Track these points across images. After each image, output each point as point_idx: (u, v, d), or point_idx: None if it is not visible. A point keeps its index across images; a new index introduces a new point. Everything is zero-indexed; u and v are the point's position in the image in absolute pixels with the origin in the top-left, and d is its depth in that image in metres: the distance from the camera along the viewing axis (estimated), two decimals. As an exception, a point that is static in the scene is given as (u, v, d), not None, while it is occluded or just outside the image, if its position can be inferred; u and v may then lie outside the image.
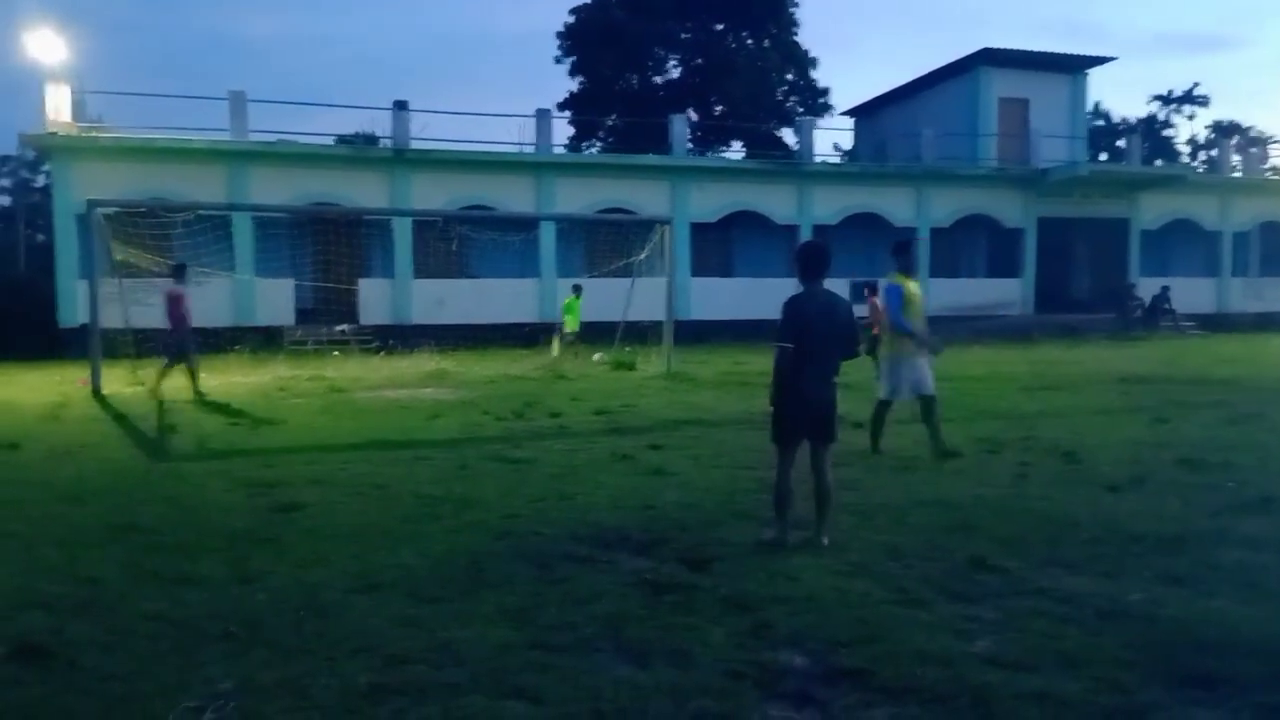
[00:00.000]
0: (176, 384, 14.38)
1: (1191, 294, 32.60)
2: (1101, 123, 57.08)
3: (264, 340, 23.38)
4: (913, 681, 3.78)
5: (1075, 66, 34.71)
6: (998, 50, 33.32)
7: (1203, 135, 61.73)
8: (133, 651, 4.13)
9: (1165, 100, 61.04)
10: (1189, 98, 60.82)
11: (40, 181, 50.83)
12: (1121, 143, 46.75)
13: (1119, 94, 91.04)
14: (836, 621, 4.45)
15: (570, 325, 19.89)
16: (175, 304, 14.53)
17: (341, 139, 33.79)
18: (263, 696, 3.66)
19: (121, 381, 15.67)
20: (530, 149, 28.50)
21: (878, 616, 4.53)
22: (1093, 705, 3.58)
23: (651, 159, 29.57)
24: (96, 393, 14.44)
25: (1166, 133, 61.10)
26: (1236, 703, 3.64)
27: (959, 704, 3.59)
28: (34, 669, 3.94)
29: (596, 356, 20.03)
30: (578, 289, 20.54)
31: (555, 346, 20.08)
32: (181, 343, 14.46)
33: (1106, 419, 11.35)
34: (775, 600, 4.74)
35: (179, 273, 15.16)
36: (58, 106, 24.07)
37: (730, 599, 4.77)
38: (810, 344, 5.74)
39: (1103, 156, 49.12)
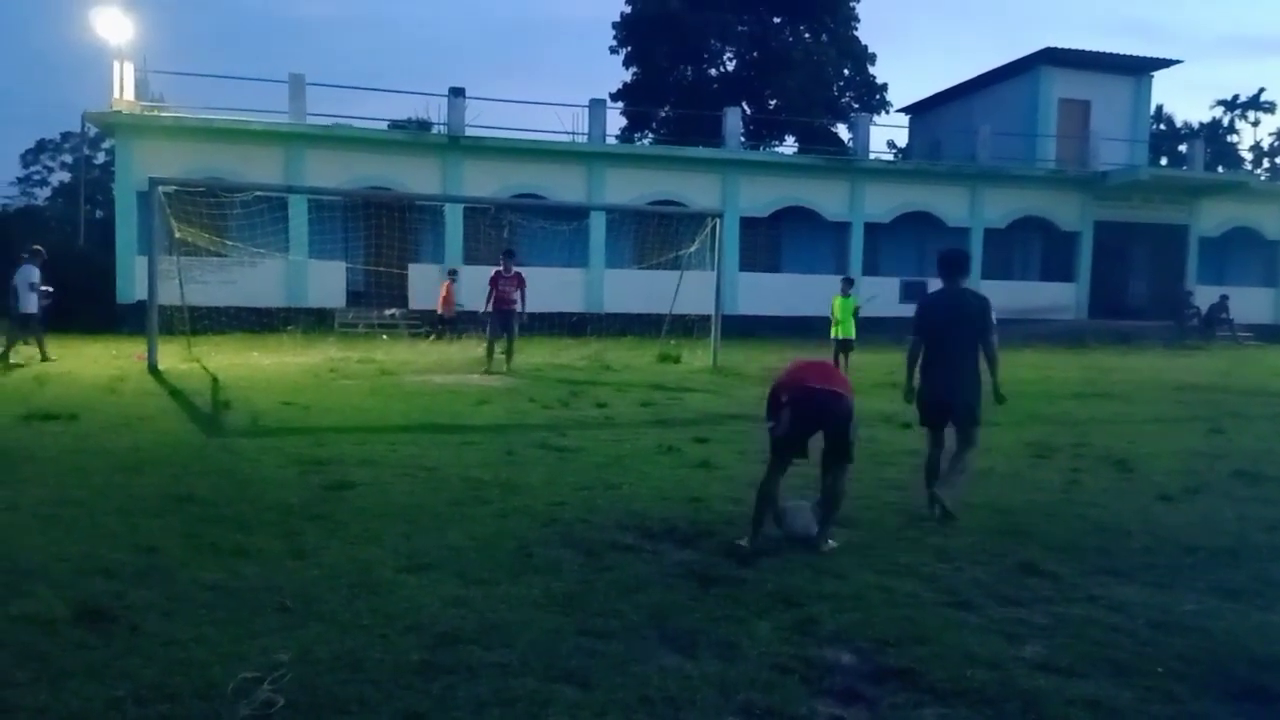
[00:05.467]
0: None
1: (1250, 304, 31.96)
2: (1163, 127, 56.01)
3: (315, 321, 23.74)
4: (962, 683, 3.76)
5: (1139, 68, 34.12)
6: (1060, 50, 32.83)
7: (1267, 142, 60.43)
8: (192, 619, 4.23)
9: (1229, 105, 59.73)
10: (1254, 103, 59.45)
11: (101, 158, 51.85)
12: (1183, 147, 45.82)
13: (1183, 98, 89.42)
14: (883, 620, 4.44)
15: (843, 330, 15.90)
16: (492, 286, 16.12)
17: (396, 124, 34.06)
18: (319, 669, 3.73)
19: (177, 357, 15.99)
20: (583, 138, 28.58)
21: (925, 617, 4.51)
22: (1144, 714, 3.55)
23: (703, 152, 29.51)
24: (153, 368, 14.72)
25: (1230, 138, 59.80)
26: (1292, 719, 3.59)
27: (1009, 708, 3.57)
28: (98, 633, 4.05)
29: None
30: (849, 283, 16.74)
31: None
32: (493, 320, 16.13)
33: (1160, 428, 11.18)
34: (821, 597, 4.73)
35: (508, 257, 16.80)
36: (122, 85, 24.54)
37: (777, 594, 4.77)
38: (938, 338, 6.54)
39: (1163, 161, 48.24)
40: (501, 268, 16.34)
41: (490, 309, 16.23)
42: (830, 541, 5.64)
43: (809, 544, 5.62)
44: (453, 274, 22.60)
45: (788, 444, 5.68)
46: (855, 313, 16.15)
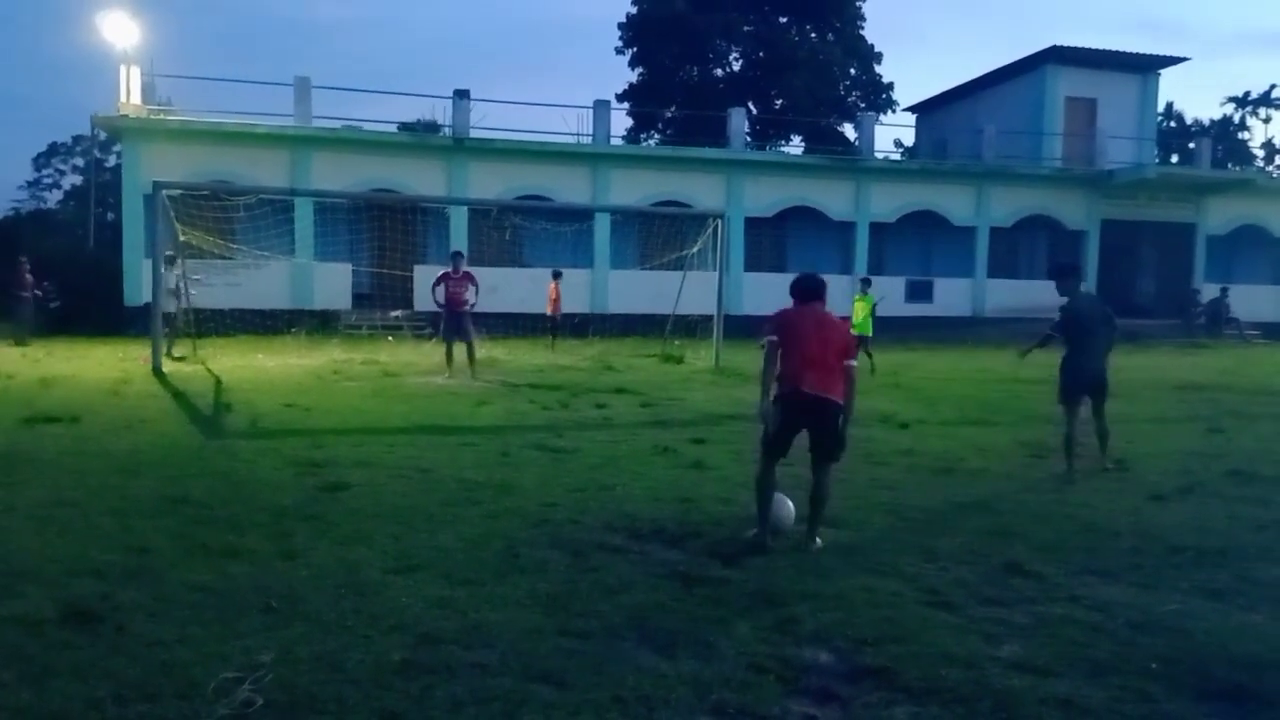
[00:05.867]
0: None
1: (1258, 302, 31.79)
2: (1174, 124, 55.79)
3: (320, 323, 23.82)
4: (936, 682, 3.79)
5: (1146, 66, 33.98)
6: (1066, 48, 32.72)
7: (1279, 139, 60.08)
8: (177, 620, 4.28)
9: (1241, 102, 59.42)
10: (1266, 99, 59.14)
11: (112, 161, 52.10)
12: (1194, 145, 45.63)
13: (1194, 95, 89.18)
14: (863, 620, 4.47)
15: (860, 328, 16.62)
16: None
17: (405, 126, 34.17)
18: (299, 669, 3.78)
19: (181, 359, 16.09)
20: (588, 140, 28.62)
21: (905, 617, 4.54)
22: (1116, 714, 3.57)
23: (708, 152, 29.49)
24: (157, 370, 14.81)
25: (1242, 135, 59.51)
26: (1265, 717, 3.61)
27: (981, 706, 3.60)
28: (84, 633, 4.10)
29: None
30: (866, 283, 18.10)
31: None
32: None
33: (1160, 427, 11.16)
34: (804, 596, 4.76)
35: (456, 258, 16.31)
36: (129, 89, 24.67)
37: (759, 593, 4.80)
38: (1086, 333, 8.15)
39: (1174, 159, 48.04)
40: (450, 268, 15.83)
41: (442, 309, 15.66)
42: (818, 540, 5.68)
43: (780, 533, 5.75)
44: (558, 275, 22.40)
45: (777, 441, 5.74)
46: (873, 310, 17.25)
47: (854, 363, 5.76)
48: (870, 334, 17.05)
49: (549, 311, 21.99)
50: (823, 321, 5.83)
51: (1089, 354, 8.19)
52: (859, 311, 17.17)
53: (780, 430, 5.68)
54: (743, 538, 5.76)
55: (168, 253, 17.91)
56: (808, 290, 6.02)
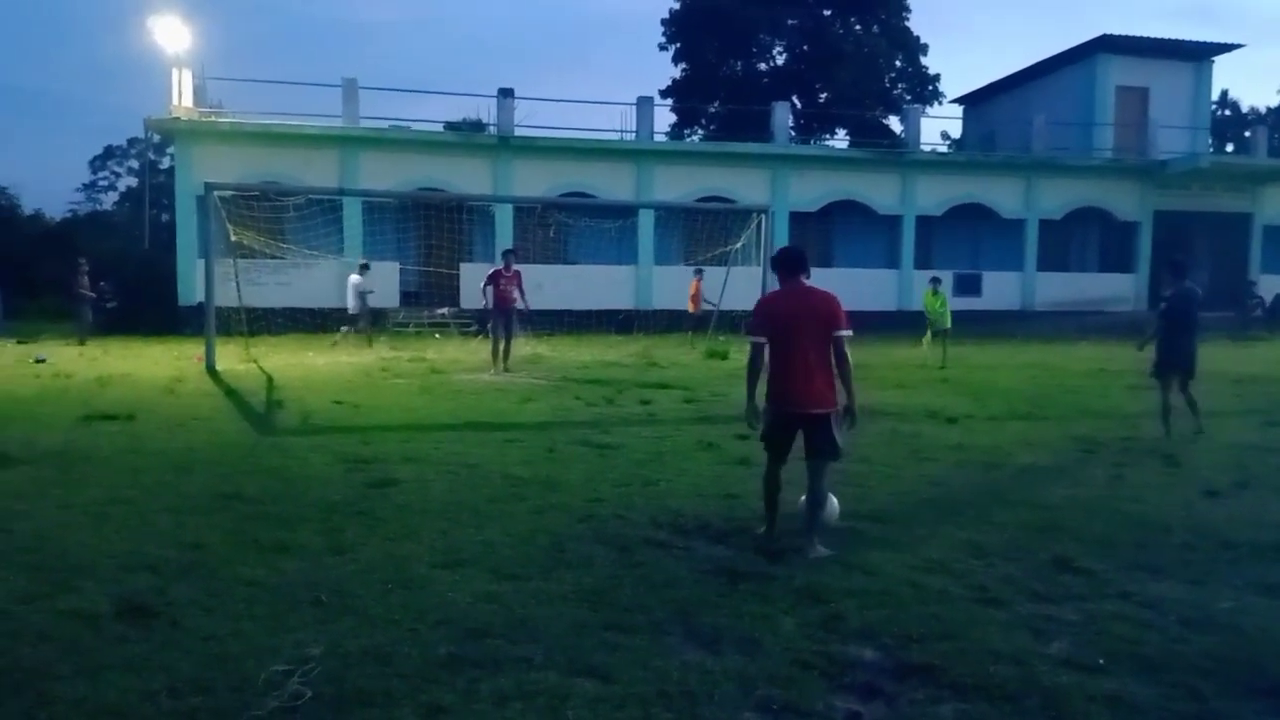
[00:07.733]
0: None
1: (1316, 294, 31.02)
2: (1228, 113, 54.56)
3: (369, 321, 24.04)
4: (983, 679, 3.75)
5: (1199, 54, 33.28)
6: (1117, 37, 32.15)
7: (1339, 126, 58.43)
8: (230, 614, 4.37)
9: (1299, 88, 57.92)
10: (1325, 86, 57.59)
11: (165, 163, 53.06)
12: (1249, 133, 44.58)
13: (1250, 82, 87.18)
14: (910, 616, 4.44)
15: (941, 320, 18.45)
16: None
17: (451, 125, 34.42)
18: (348, 662, 3.84)
19: (234, 358, 16.35)
20: (631, 136, 28.65)
21: (953, 613, 4.50)
22: (1166, 711, 3.52)
23: (752, 147, 29.38)
24: (210, 369, 15.07)
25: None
26: (1321, 717, 3.53)
27: (1028, 704, 3.56)
28: (138, 627, 4.20)
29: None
30: (936, 281, 19.17)
31: (926, 342, 18.67)
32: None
33: (1214, 421, 10.87)
34: (849, 593, 4.74)
35: (509, 256, 16.69)
36: (181, 92, 25.12)
37: (804, 590, 4.79)
38: (1172, 322, 9.74)
39: (1229, 148, 46.98)
40: (502, 266, 16.10)
41: (492, 307, 15.90)
42: (818, 548, 5.40)
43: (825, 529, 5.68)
44: (699, 272, 22.62)
45: (774, 443, 5.66)
46: (940, 305, 18.49)
47: (847, 333, 5.49)
48: (948, 326, 18.41)
49: (690, 309, 22.24)
50: (805, 300, 5.60)
51: (1174, 339, 9.73)
52: (933, 305, 18.52)
53: (774, 432, 5.61)
54: (757, 534, 5.75)
55: (361, 261, 20.52)
56: (790, 262, 5.71)
